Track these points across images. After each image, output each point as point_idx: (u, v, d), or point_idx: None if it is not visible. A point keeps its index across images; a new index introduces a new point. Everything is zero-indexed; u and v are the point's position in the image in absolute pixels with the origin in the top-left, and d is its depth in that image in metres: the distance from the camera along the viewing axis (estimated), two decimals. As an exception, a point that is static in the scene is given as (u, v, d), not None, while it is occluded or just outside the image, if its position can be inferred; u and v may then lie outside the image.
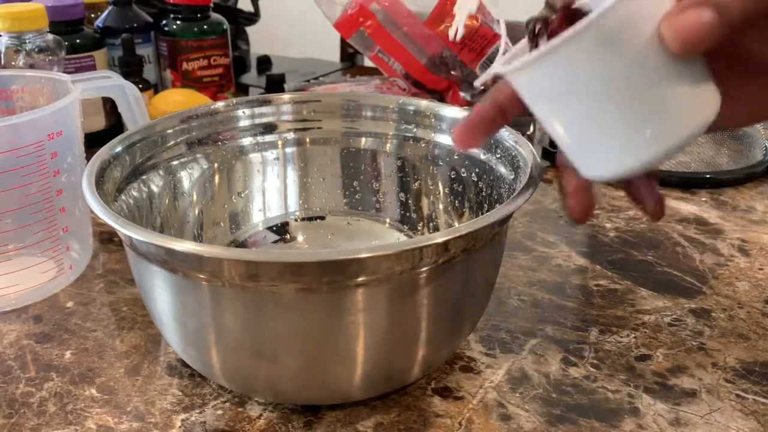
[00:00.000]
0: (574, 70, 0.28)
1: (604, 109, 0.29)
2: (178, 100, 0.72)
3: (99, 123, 0.74)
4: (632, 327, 0.43)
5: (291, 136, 0.49)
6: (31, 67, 0.61)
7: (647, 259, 0.51)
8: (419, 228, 0.49)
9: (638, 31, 0.27)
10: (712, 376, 0.39)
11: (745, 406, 0.36)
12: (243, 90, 0.93)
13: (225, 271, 0.30)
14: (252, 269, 0.30)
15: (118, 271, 0.50)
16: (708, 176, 0.63)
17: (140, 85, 0.73)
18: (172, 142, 0.44)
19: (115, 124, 0.76)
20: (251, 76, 0.97)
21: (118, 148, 0.40)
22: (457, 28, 0.69)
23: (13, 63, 0.61)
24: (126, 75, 0.71)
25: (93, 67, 0.73)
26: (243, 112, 0.48)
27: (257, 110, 0.48)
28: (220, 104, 0.47)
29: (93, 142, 0.73)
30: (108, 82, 0.50)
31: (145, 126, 0.43)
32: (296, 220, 0.50)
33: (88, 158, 0.50)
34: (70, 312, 0.45)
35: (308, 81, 0.91)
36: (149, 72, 0.81)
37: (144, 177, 0.42)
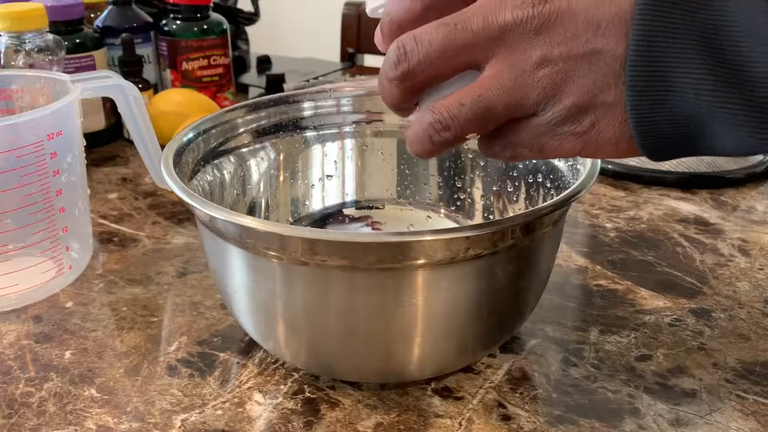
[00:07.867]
0: None
1: None
2: (177, 100, 0.72)
3: (99, 123, 0.74)
4: (632, 327, 0.43)
5: (353, 127, 0.51)
6: (31, 66, 0.61)
7: (647, 259, 0.51)
8: (474, 218, 0.50)
9: None
10: (712, 376, 0.39)
11: (745, 407, 0.36)
12: (243, 90, 0.93)
13: (300, 250, 0.32)
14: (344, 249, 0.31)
15: (117, 271, 0.50)
16: (708, 176, 0.63)
17: (140, 85, 0.73)
18: (242, 130, 0.46)
19: (115, 124, 0.76)
20: (251, 76, 0.97)
21: (191, 135, 0.42)
22: None
23: (12, 63, 0.61)
24: (126, 75, 0.71)
25: (93, 67, 0.73)
26: (308, 103, 0.49)
27: (321, 102, 0.49)
28: (286, 95, 0.49)
29: (93, 142, 0.73)
30: (108, 82, 0.50)
31: (216, 114, 0.45)
32: (354, 209, 0.52)
33: (87, 158, 0.51)
34: (70, 312, 0.45)
35: (308, 81, 0.91)
36: (149, 72, 0.81)
37: (216, 162, 0.44)
